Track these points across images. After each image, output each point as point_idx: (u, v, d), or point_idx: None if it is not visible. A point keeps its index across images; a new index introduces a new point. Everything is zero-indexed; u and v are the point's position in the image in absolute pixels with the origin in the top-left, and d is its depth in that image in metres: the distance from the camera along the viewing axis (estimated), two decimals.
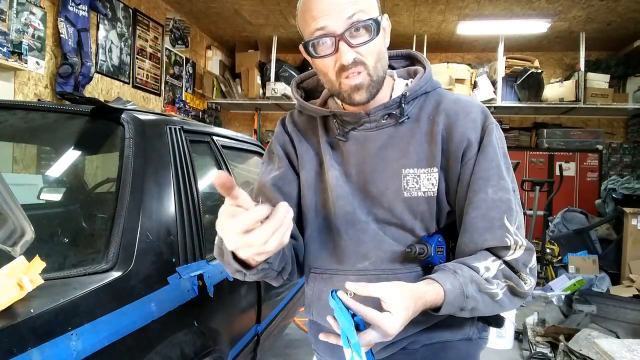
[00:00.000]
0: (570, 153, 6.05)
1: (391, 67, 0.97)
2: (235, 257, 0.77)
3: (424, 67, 0.95)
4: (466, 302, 0.79)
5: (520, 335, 3.33)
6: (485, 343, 1.00)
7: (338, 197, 0.91)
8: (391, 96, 0.92)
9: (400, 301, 0.72)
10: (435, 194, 0.87)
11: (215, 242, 0.87)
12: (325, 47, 0.82)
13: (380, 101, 0.89)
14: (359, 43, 0.81)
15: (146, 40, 5.00)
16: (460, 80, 5.94)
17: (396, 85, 0.94)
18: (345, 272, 0.92)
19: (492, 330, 1.06)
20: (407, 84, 0.95)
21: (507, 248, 0.84)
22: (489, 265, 0.83)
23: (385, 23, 0.88)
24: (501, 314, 0.96)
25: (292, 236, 0.97)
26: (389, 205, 0.89)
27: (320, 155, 0.97)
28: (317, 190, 0.96)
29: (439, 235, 0.89)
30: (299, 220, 0.99)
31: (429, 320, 0.88)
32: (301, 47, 0.86)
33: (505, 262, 0.84)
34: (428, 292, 0.77)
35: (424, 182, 0.87)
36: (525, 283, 0.84)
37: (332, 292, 0.74)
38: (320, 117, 0.98)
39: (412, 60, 1.02)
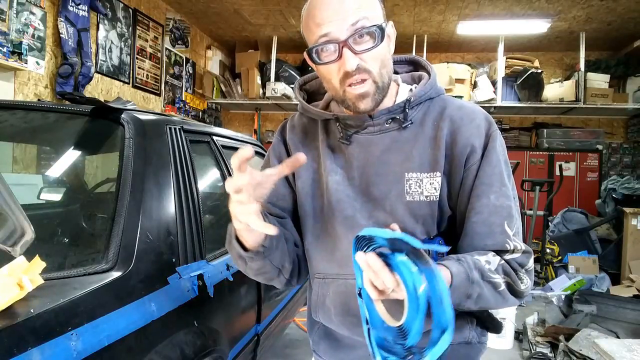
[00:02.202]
0: (570, 153, 6.05)
1: (395, 72, 0.97)
2: (237, 240, 0.85)
3: (428, 73, 0.95)
4: (472, 288, 0.79)
5: (520, 335, 3.33)
6: (485, 348, 1.00)
7: (338, 202, 0.91)
8: (395, 101, 0.92)
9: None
10: (438, 199, 0.88)
11: (227, 235, 0.92)
12: (329, 54, 0.82)
13: (384, 106, 0.89)
14: (363, 49, 0.81)
15: (146, 40, 5.00)
16: (460, 80, 5.94)
17: (400, 90, 0.95)
18: (345, 277, 0.91)
19: None
20: (411, 89, 0.95)
21: (506, 251, 0.85)
22: (490, 260, 0.83)
23: (390, 30, 0.87)
24: (499, 319, 0.97)
25: (295, 243, 0.98)
26: (390, 209, 0.89)
27: (317, 162, 0.97)
28: (315, 196, 0.96)
29: (440, 238, 0.89)
30: (298, 228, 0.99)
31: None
32: (305, 54, 0.86)
33: (505, 261, 0.85)
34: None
35: (427, 186, 0.88)
36: (522, 282, 0.85)
37: (392, 240, 0.65)
38: (322, 119, 0.98)
39: (416, 66, 1.02)
